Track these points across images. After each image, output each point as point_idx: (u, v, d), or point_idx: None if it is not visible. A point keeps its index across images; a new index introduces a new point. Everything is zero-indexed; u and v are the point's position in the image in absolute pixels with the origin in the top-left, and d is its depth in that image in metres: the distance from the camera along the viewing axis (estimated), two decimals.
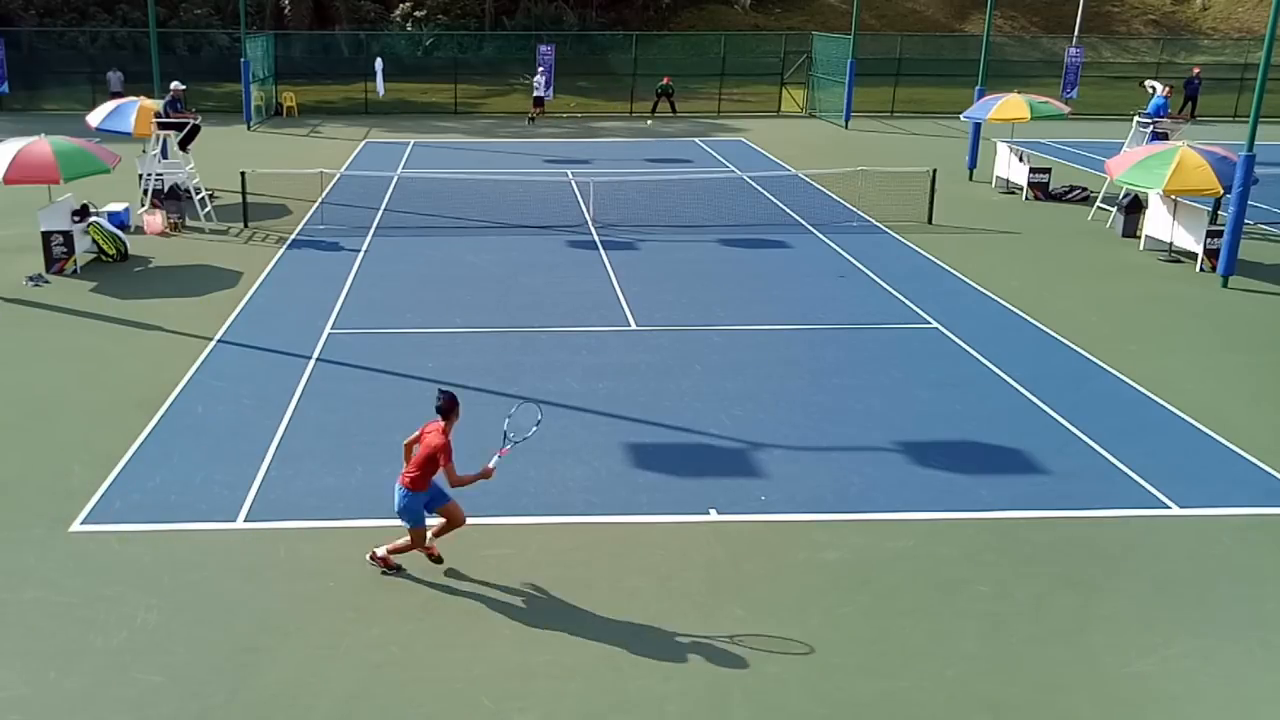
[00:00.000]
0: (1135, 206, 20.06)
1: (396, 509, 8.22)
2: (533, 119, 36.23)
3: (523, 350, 13.45)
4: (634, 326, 14.48)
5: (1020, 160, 24.20)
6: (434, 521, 8.51)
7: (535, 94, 36.68)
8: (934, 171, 21.34)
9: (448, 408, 8.19)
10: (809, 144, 31.94)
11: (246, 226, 19.93)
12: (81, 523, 9.11)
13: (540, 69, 37.20)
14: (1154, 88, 22.71)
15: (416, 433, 8.37)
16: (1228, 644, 7.68)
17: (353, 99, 39.56)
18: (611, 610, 7.99)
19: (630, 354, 13.38)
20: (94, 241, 17.24)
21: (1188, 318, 15.25)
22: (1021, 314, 15.18)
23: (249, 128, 33.90)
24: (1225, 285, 16.62)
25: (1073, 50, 40.09)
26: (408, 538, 8.35)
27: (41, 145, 16.02)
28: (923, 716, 6.90)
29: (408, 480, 8.14)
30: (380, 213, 21.25)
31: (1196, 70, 37.80)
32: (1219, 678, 7.33)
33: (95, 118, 21.48)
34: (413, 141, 31.86)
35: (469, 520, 9.26)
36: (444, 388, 8.53)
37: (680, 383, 12.42)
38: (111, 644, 7.49)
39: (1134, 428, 11.34)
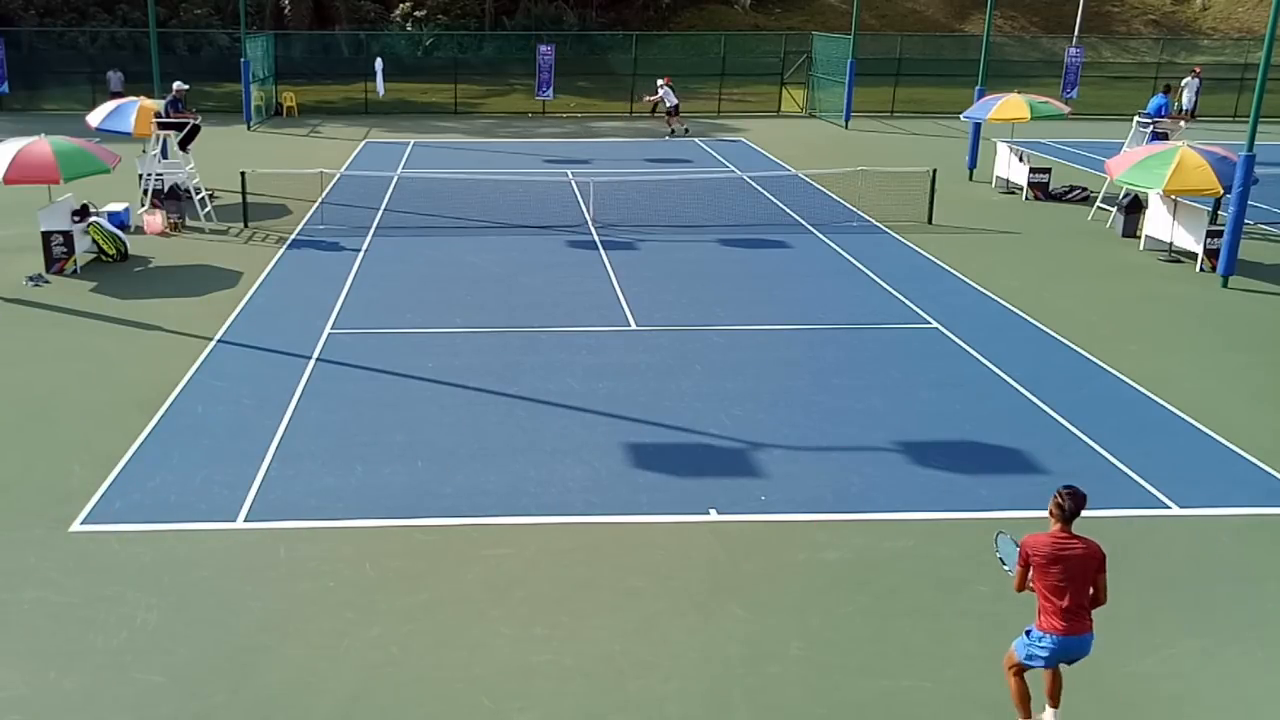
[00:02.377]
0: (1135, 206, 20.05)
1: (1080, 656, 6.45)
2: (673, 131, 33.15)
3: (523, 350, 13.45)
4: (634, 326, 14.48)
5: (1020, 160, 24.18)
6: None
7: (669, 104, 32.89)
8: (934, 171, 21.32)
9: (1078, 509, 6.44)
10: (809, 144, 31.92)
11: (246, 226, 19.92)
12: (81, 523, 9.11)
13: (659, 82, 33.31)
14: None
15: (1040, 551, 6.40)
16: (1228, 644, 7.68)
17: (353, 99, 39.55)
18: (611, 610, 7.98)
19: (630, 354, 13.38)
20: (94, 241, 17.23)
21: (1188, 318, 15.25)
22: (1021, 314, 15.18)
23: (249, 128, 33.88)
24: (1225, 285, 16.61)
25: (1073, 50, 40.05)
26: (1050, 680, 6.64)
27: (41, 145, 16.01)
28: (923, 716, 6.90)
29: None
30: (380, 213, 21.24)
31: (1197, 70, 37.81)
32: (1219, 678, 7.33)
33: (95, 118, 21.45)
34: (413, 141, 31.85)
35: (470, 520, 9.31)
36: (1070, 488, 6.52)
37: (680, 383, 12.42)
38: (111, 644, 7.49)
39: (1134, 428, 11.34)
